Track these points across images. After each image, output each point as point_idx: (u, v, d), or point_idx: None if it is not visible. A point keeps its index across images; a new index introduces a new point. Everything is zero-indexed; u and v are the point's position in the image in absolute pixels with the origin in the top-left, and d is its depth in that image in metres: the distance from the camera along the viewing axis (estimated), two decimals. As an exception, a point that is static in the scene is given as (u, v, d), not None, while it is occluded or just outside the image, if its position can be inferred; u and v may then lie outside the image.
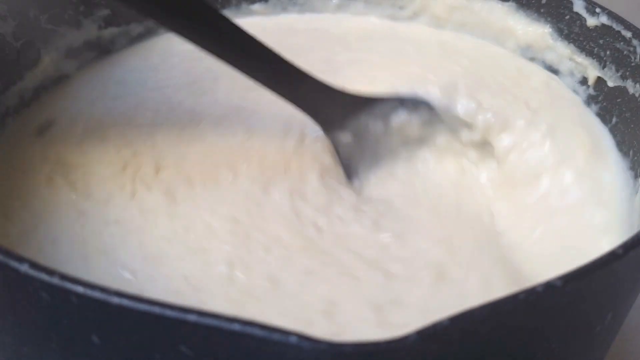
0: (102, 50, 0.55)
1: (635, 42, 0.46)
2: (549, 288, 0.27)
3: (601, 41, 0.49)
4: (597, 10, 0.49)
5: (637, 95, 0.46)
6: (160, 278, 0.35)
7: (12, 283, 0.29)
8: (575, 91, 0.52)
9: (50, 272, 0.27)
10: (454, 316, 0.25)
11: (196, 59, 0.46)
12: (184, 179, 0.42)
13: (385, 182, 0.43)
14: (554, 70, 0.54)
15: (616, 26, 0.48)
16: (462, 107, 0.45)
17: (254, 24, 0.47)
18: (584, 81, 0.52)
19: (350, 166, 0.42)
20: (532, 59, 0.55)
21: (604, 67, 0.50)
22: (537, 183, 0.44)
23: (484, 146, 0.46)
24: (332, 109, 0.38)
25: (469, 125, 0.45)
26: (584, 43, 0.51)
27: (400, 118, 0.42)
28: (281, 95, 0.38)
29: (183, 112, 0.47)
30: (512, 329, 0.28)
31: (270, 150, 0.43)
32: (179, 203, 0.40)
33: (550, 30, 0.53)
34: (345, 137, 0.40)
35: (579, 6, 0.51)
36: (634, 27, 0.47)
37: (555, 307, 0.28)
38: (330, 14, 0.59)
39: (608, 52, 0.49)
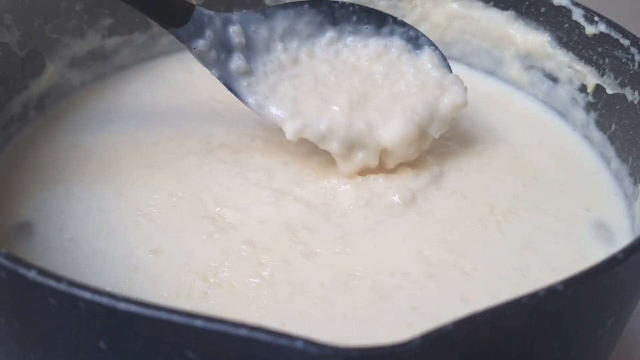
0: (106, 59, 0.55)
1: (633, 50, 0.47)
2: (551, 292, 0.27)
3: (600, 49, 0.50)
4: (596, 18, 0.50)
5: (635, 102, 0.47)
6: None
7: (20, 289, 0.29)
8: (574, 99, 0.53)
9: (58, 278, 0.27)
10: (457, 320, 0.25)
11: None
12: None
13: None
14: (553, 78, 0.54)
15: (614, 34, 0.49)
16: None
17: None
18: (583, 89, 0.52)
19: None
20: (531, 67, 0.56)
21: (602, 75, 0.50)
22: None
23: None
24: (171, 7, 0.44)
25: None
26: (583, 51, 0.52)
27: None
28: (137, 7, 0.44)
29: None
30: (515, 333, 0.28)
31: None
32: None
33: (550, 38, 0.54)
34: (201, 44, 0.44)
35: (577, 15, 0.51)
36: (632, 35, 0.48)
37: (558, 311, 0.29)
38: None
39: (607, 60, 0.50)
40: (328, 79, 0.45)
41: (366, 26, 0.48)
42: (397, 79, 0.46)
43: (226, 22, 0.44)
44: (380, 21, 0.48)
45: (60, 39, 0.51)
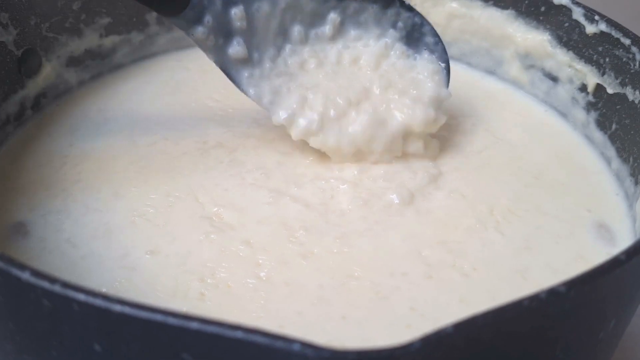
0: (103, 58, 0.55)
1: (634, 49, 0.47)
2: (553, 294, 0.27)
3: (600, 48, 0.50)
4: (596, 17, 0.50)
5: (636, 102, 0.46)
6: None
7: (14, 291, 0.29)
8: (574, 98, 0.52)
9: (52, 279, 0.27)
10: (457, 323, 0.25)
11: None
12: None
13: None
14: (554, 78, 0.54)
15: (615, 33, 0.48)
16: None
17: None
18: (583, 88, 0.52)
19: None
20: (531, 67, 0.55)
21: (603, 74, 0.50)
22: None
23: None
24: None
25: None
26: (583, 50, 0.51)
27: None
28: None
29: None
30: (516, 336, 0.28)
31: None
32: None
33: (550, 37, 0.53)
34: (201, 32, 0.42)
35: (578, 14, 0.51)
36: (633, 34, 0.47)
37: (559, 313, 0.28)
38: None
39: (607, 59, 0.49)
40: (332, 93, 0.45)
41: (372, 5, 0.46)
42: (394, 97, 0.46)
43: (227, 3, 0.43)
44: (386, 2, 0.47)
45: (58, 38, 0.51)
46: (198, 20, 0.42)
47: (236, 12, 0.43)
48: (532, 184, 0.46)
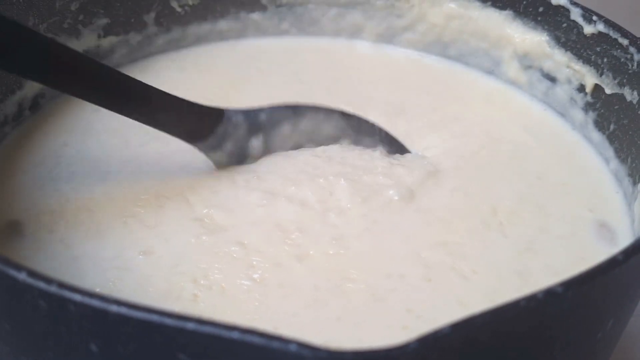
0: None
1: (632, 49, 0.47)
2: (550, 294, 0.27)
3: (598, 49, 0.50)
4: (594, 18, 0.50)
5: (634, 102, 0.46)
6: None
7: (10, 291, 0.29)
8: (573, 99, 0.52)
9: (48, 280, 0.27)
10: (454, 323, 0.25)
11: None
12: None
13: None
14: (552, 78, 0.54)
15: (613, 34, 0.48)
16: None
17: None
18: (581, 88, 0.52)
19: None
20: (529, 67, 0.55)
21: (601, 75, 0.50)
22: None
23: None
24: (194, 123, 0.42)
25: None
26: (581, 51, 0.51)
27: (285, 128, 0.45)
28: (133, 117, 0.39)
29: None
30: (514, 336, 0.28)
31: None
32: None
33: (548, 38, 0.53)
34: (219, 155, 0.43)
35: (575, 14, 0.51)
36: (631, 34, 0.47)
37: (557, 313, 0.28)
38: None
39: (605, 60, 0.49)
40: None
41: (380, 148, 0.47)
42: None
43: (250, 132, 0.44)
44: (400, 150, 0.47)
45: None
46: (219, 146, 0.43)
47: (256, 142, 0.44)
48: (535, 184, 0.46)
